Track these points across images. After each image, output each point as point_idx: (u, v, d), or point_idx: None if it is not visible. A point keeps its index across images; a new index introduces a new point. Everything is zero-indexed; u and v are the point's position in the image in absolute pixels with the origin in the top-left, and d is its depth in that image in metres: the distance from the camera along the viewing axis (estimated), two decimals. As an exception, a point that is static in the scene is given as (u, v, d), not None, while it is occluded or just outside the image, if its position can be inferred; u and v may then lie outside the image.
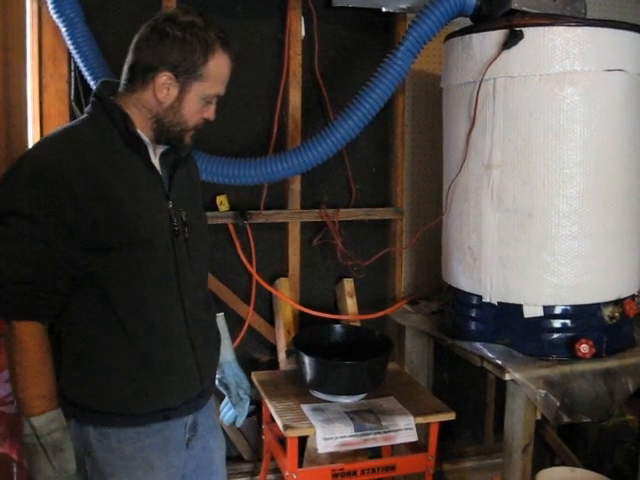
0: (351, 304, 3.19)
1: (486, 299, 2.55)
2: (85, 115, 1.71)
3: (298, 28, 3.03)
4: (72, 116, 2.73)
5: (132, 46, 1.67)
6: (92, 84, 2.58)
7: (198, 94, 1.66)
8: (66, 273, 1.59)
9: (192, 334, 1.74)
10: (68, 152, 1.58)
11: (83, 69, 2.59)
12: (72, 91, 2.74)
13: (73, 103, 2.73)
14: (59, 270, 1.58)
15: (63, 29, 2.56)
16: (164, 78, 1.63)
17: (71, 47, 2.58)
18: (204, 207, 1.97)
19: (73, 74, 2.73)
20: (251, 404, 2.13)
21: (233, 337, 2.88)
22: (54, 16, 2.55)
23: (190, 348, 1.74)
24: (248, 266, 3.05)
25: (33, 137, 2.72)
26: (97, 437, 1.67)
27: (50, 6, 2.54)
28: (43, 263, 1.56)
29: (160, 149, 1.74)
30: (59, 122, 2.69)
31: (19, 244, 1.55)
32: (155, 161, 1.72)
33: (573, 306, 2.46)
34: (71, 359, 1.66)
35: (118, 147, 1.65)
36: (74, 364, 1.66)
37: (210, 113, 1.73)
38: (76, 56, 2.58)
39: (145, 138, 1.69)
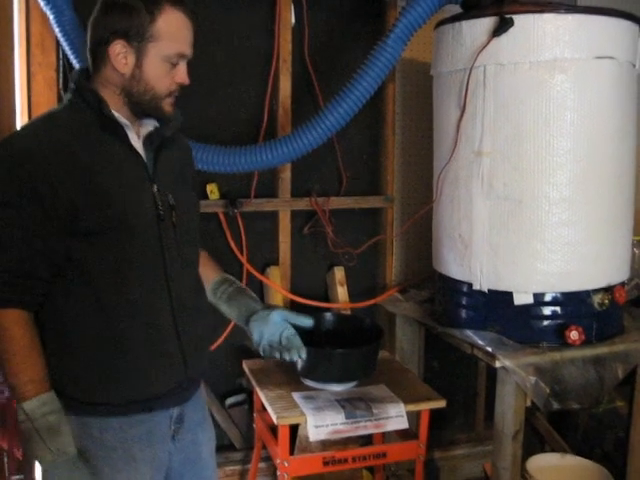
0: (342, 292, 3.20)
1: (476, 287, 2.55)
2: (64, 102, 1.69)
3: (288, 16, 3.01)
4: (60, 104, 2.72)
5: (88, 28, 1.65)
6: (80, 72, 2.57)
7: (157, 56, 1.61)
8: (47, 259, 1.58)
9: (178, 321, 1.72)
10: (44, 138, 1.57)
11: (71, 57, 2.57)
12: (61, 79, 2.72)
13: (62, 91, 2.71)
14: (40, 257, 1.56)
15: (51, 17, 2.54)
16: (118, 47, 1.59)
17: (59, 35, 2.56)
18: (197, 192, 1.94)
19: (61, 62, 2.71)
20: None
21: (224, 326, 2.90)
22: (42, 4, 2.53)
23: (175, 335, 1.71)
24: (239, 254, 3.04)
25: (21, 125, 2.70)
26: (79, 426, 1.65)
27: (38, -7, 2.52)
28: (23, 250, 1.55)
29: (144, 131, 1.71)
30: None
31: None
32: (137, 144, 1.69)
33: (563, 293, 2.47)
34: (52, 347, 1.64)
35: (96, 131, 1.62)
36: (55, 352, 1.64)
37: (181, 76, 1.66)
38: (64, 44, 2.57)
39: (124, 120, 1.66)
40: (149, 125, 1.73)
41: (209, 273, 1.97)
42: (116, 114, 1.65)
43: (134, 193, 1.64)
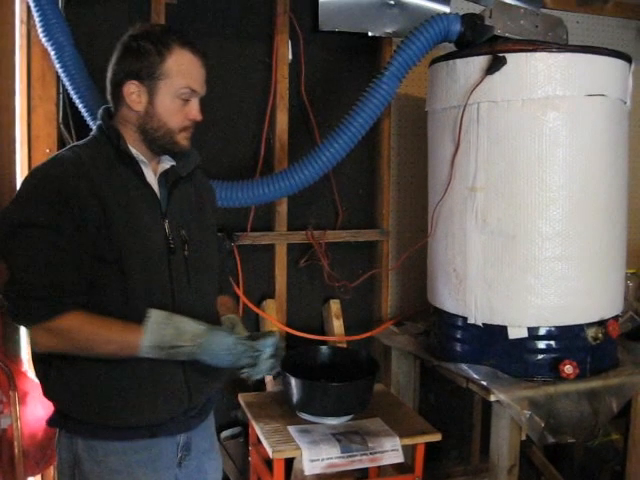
0: (337, 325, 3.20)
1: (471, 320, 2.57)
2: (89, 137, 1.78)
3: (285, 51, 3.06)
4: (60, 138, 2.74)
5: (107, 73, 1.74)
6: (80, 107, 2.61)
7: (168, 93, 1.69)
8: (84, 274, 1.62)
9: None
10: (71, 167, 1.64)
11: (71, 92, 2.61)
12: (60, 113, 2.75)
13: (61, 125, 2.74)
14: (79, 271, 1.61)
15: (52, 52, 2.58)
16: (132, 87, 1.68)
17: (60, 70, 2.60)
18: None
19: (62, 97, 2.74)
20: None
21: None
22: (43, 40, 2.57)
23: (180, 366, 1.73)
24: (235, 287, 3.05)
25: (21, 158, 2.73)
26: (85, 449, 1.69)
27: (39, 30, 2.56)
28: (65, 267, 1.59)
29: (161, 168, 1.77)
30: (47, 144, 2.71)
31: (42, 252, 1.58)
32: (153, 180, 1.75)
33: (557, 327, 2.49)
34: (60, 368, 1.67)
35: (114, 166, 1.69)
36: (63, 373, 1.67)
37: (193, 112, 1.74)
38: (65, 79, 2.60)
39: (141, 157, 1.73)
40: (166, 163, 1.79)
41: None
42: (134, 151, 1.72)
43: (145, 227, 1.69)
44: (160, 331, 1.61)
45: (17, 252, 1.59)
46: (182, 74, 1.69)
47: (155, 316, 1.63)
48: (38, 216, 1.59)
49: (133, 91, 1.69)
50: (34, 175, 1.67)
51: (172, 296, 1.72)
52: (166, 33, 1.71)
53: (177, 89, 1.69)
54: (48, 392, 1.73)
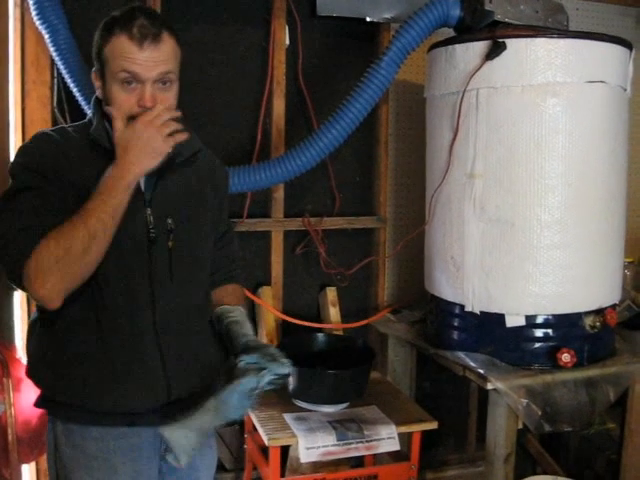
0: (334, 313, 3.19)
1: (468, 308, 2.56)
2: (83, 121, 1.76)
3: (282, 37, 3.03)
4: (54, 122, 2.71)
5: None
6: (75, 91, 2.58)
7: (111, 78, 1.61)
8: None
9: (163, 342, 1.70)
10: (53, 146, 1.64)
11: (66, 76, 2.58)
12: (55, 97, 2.72)
13: (55, 109, 2.72)
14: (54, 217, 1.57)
15: (46, 36, 2.54)
16: (93, 74, 1.68)
17: (54, 54, 2.56)
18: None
19: (56, 80, 2.71)
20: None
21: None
22: (37, 22, 2.54)
23: (158, 356, 1.69)
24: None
25: (15, 143, 2.70)
26: (64, 432, 1.69)
27: (33, 12, 2.52)
28: (38, 214, 1.56)
29: None
30: (41, 128, 2.67)
31: (22, 209, 1.57)
32: None
33: (555, 315, 2.48)
34: (45, 348, 1.67)
35: (94, 152, 1.65)
36: (46, 353, 1.67)
37: (141, 98, 1.60)
38: (59, 63, 2.57)
39: None
40: None
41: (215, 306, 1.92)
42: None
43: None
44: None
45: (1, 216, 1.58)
46: (116, 57, 1.60)
47: None
48: (22, 181, 1.59)
49: (94, 77, 1.67)
50: (20, 151, 1.68)
51: (150, 286, 1.67)
52: (123, 16, 1.62)
53: (115, 73, 1.60)
54: (29, 370, 1.72)
